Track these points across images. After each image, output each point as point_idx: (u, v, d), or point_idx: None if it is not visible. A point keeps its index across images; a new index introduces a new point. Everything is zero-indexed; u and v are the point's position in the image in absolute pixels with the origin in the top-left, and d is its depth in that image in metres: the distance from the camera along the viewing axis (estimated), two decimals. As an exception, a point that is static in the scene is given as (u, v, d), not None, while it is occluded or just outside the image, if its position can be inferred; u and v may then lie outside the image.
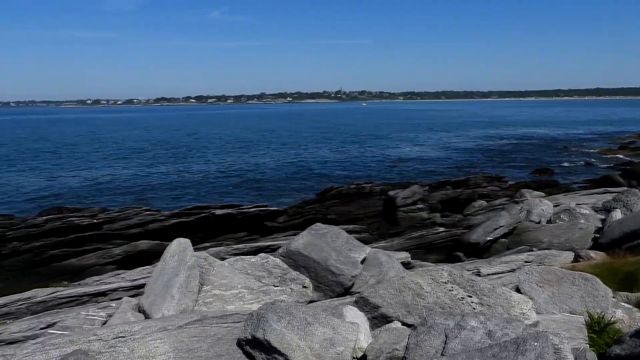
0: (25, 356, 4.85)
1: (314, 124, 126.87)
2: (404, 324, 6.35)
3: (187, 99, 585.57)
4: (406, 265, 11.78)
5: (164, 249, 18.96)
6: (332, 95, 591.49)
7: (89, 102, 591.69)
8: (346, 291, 8.85)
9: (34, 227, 19.74)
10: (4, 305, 8.97)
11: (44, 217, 20.54)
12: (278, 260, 8.73)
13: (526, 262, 11.66)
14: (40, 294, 9.42)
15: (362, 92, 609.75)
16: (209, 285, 8.22)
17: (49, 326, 8.19)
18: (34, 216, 22.37)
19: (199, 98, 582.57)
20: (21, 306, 9.10)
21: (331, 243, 9.38)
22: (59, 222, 19.98)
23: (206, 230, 21.04)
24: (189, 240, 8.96)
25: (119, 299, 9.36)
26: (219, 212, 21.57)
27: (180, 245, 8.80)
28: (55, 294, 9.50)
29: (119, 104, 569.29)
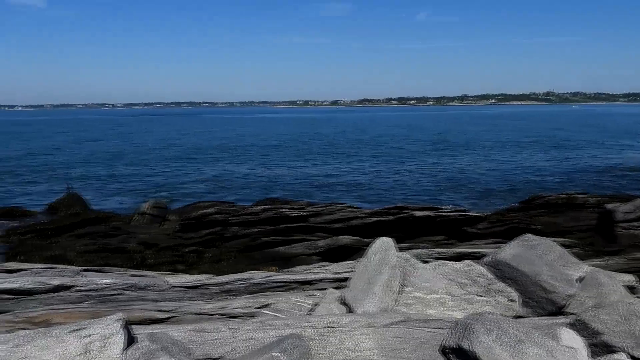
0: (248, 332, 5.37)
1: (519, 127, 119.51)
2: (632, 357, 5.58)
3: (388, 100, 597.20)
4: (631, 290, 10.35)
5: (364, 245, 19.58)
6: (540, 96, 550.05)
7: (299, 102, 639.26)
8: (558, 310, 8.09)
9: (251, 215, 21.91)
10: (228, 282, 10.06)
11: (260, 207, 22.67)
12: (483, 269, 8.35)
13: None
14: (257, 276, 10.36)
15: (576, 94, 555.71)
16: (410, 287, 8.21)
17: (263, 307, 8.96)
18: (251, 205, 24.86)
19: (400, 99, 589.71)
20: (241, 285, 10.13)
21: (543, 256, 8.67)
22: (272, 212, 21.85)
23: (404, 231, 21.14)
24: (393, 240, 9.06)
25: (324, 289, 9.86)
26: (418, 213, 21.49)
27: (383, 244, 8.95)
28: (269, 278, 10.36)
29: (326, 105, 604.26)
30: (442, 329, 5.66)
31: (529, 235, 9.78)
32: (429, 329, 5.77)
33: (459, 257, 12.34)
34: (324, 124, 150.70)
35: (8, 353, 4.22)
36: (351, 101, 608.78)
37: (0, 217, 28.08)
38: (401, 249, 13.81)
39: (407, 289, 8.18)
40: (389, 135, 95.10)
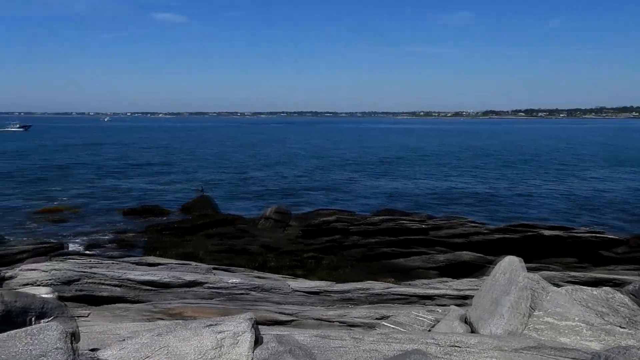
0: (371, 343, 5.33)
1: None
2: None
3: (516, 112, 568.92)
4: None
5: (487, 263, 18.75)
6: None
7: (420, 113, 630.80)
8: None
9: (370, 224, 21.94)
10: (348, 291, 10.12)
11: (379, 217, 22.65)
12: (626, 299, 7.59)
13: None
14: (376, 287, 10.31)
15: None
16: (540, 311, 7.68)
17: (382, 318, 8.89)
18: (370, 215, 24.91)
19: (529, 111, 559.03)
20: (361, 295, 10.14)
21: (700, 289, 7.68)
22: (392, 223, 21.72)
23: (531, 250, 19.94)
24: (522, 259, 8.55)
25: (445, 305, 9.57)
26: (546, 232, 20.19)
27: (512, 264, 8.47)
28: (389, 290, 10.26)
29: (448, 116, 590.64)
30: (579, 360, 5.21)
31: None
32: (563, 359, 5.35)
33: (595, 283, 11.35)
34: (447, 136, 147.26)
35: (152, 340, 4.58)
36: (475, 113, 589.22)
37: (141, 214, 30.99)
38: (528, 270, 13.01)
39: (537, 313, 7.65)
40: (530, 149, 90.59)
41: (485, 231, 20.71)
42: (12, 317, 4.50)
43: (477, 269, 18.88)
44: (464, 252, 19.77)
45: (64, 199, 35.59)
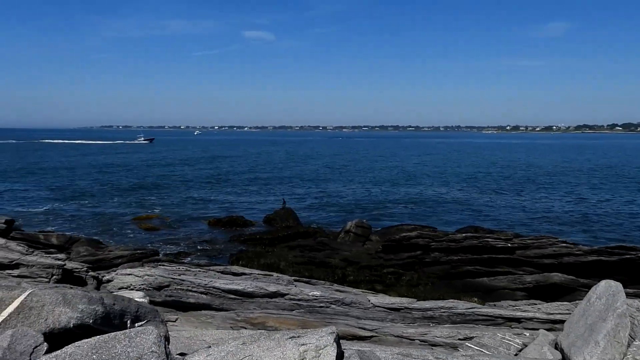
0: (455, 365, 5.17)
1: None
2: None
3: (612, 126, 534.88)
4: None
5: (580, 286, 17.70)
6: None
7: (508, 128, 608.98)
8: None
9: (453, 241, 21.37)
10: (430, 309, 9.89)
11: (463, 234, 22.00)
12: None
13: None
14: (460, 306, 10.00)
15: None
16: (641, 341, 7.12)
17: (466, 338, 8.61)
18: (454, 231, 24.27)
19: (627, 126, 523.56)
20: (443, 313, 9.87)
21: None
22: (476, 240, 21.03)
23: (630, 274, 18.56)
24: (620, 284, 7.99)
25: (534, 329, 9.11)
26: (648, 256, 18.70)
27: (609, 288, 7.93)
28: (473, 310, 9.93)
29: (537, 131, 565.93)
30: (688, 398, 4.76)
31: None
32: (669, 395, 4.91)
33: None
34: (538, 151, 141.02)
35: (237, 349, 4.72)
36: (567, 127, 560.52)
37: (225, 224, 32.07)
38: (627, 296, 12.13)
39: (638, 343, 7.10)
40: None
41: (579, 252, 19.53)
42: (111, 318, 4.80)
43: (568, 292, 17.85)
44: (554, 273, 18.74)
45: (157, 209, 37.59)
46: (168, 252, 24.42)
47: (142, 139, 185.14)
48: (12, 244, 12.59)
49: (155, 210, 36.62)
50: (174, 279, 10.83)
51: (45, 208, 37.26)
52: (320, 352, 4.59)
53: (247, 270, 12.70)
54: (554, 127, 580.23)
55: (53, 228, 29.11)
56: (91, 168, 72.69)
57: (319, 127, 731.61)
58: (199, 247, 25.93)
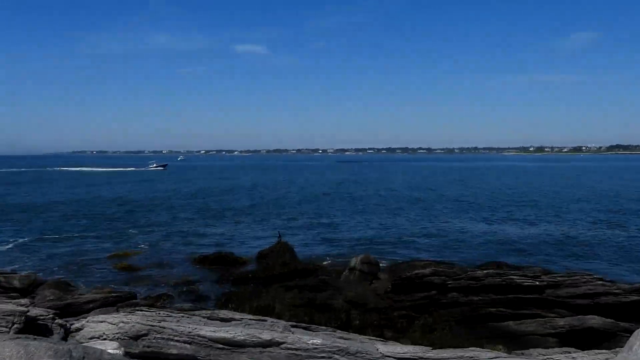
0: None
1: None
2: None
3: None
4: None
5: (621, 331, 17.51)
6: None
7: (531, 149, 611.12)
8: None
9: (473, 279, 21.19)
10: (448, 359, 9.71)
11: (485, 271, 21.83)
12: None
13: None
14: (483, 355, 9.84)
15: None
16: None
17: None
18: (473, 268, 24.09)
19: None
20: (464, 365, 9.69)
21: None
22: (499, 278, 20.85)
23: (677, 317, 18.36)
24: (668, 330, 7.87)
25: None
26: (697, 295, 18.53)
27: (655, 334, 7.81)
28: (497, 359, 9.76)
29: (565, 152, 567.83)
30: None
31: None
32: None
33: None
34: (567, 174, 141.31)
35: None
36: (599, 147, 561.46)
37: (213, 262, 31.82)
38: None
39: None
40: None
41: (618, 291, 19.33)
42: (78, 376, 4.68)
43: (607, 338, 17.61)
44: (590, 316, 18.52)
45: (137, 244, 37.46)
46: (147, 294, 24.20)
47: (155, 165, 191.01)
48: (-32, 288, 12.45)
49: (135, 246, 36.48)
50: (153, 326, 10.66)
51: (8, 246, 37.10)
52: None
53: (237, 315, 12.53)
54: (584, 148, 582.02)
55: (16, 267, 28.93)
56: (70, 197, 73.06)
57: (319, 150, 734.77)
58: (182, 288, 25.70)
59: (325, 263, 30.60)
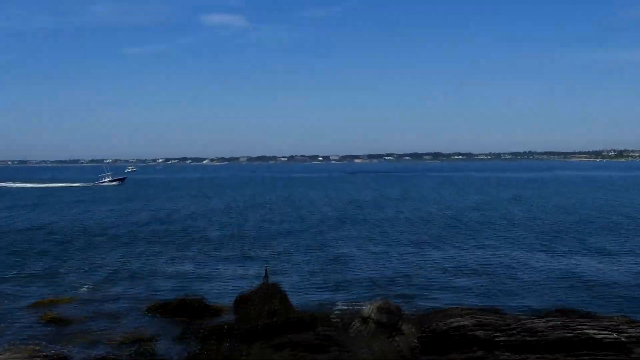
0: None
1: None
2: None
3: None
4: None
5: None
6: None
7: (612, 154, 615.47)
8: None
9: (531, 333, 21.13)
10: None
11: (547, 321, 21.75)
12: None
13: None
14: None
15: None
16: None
17: None
18: (531, 317, 23.97)
19: None
20: None
21: None
22: (566, 330, 20.81)
23: None
24: None
25: None
26: None
27: None
28: None
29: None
30: None
31: None
32: None
33: None
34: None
35: None
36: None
37: (175, 311, 31.38)
38: None
39: None
40: None
41: None
42: None
43: None
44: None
45: (71, 287, 37.34)
46: (83, 357, 24.05)
47: (109, 179, 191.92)
48: None
49: (69, 290, 36.38)
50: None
51: None
52: None
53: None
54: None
55: None
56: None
57: (318, 156, 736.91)
58: (132, 348, 25.55)
59: (328, 312, 30.41)
